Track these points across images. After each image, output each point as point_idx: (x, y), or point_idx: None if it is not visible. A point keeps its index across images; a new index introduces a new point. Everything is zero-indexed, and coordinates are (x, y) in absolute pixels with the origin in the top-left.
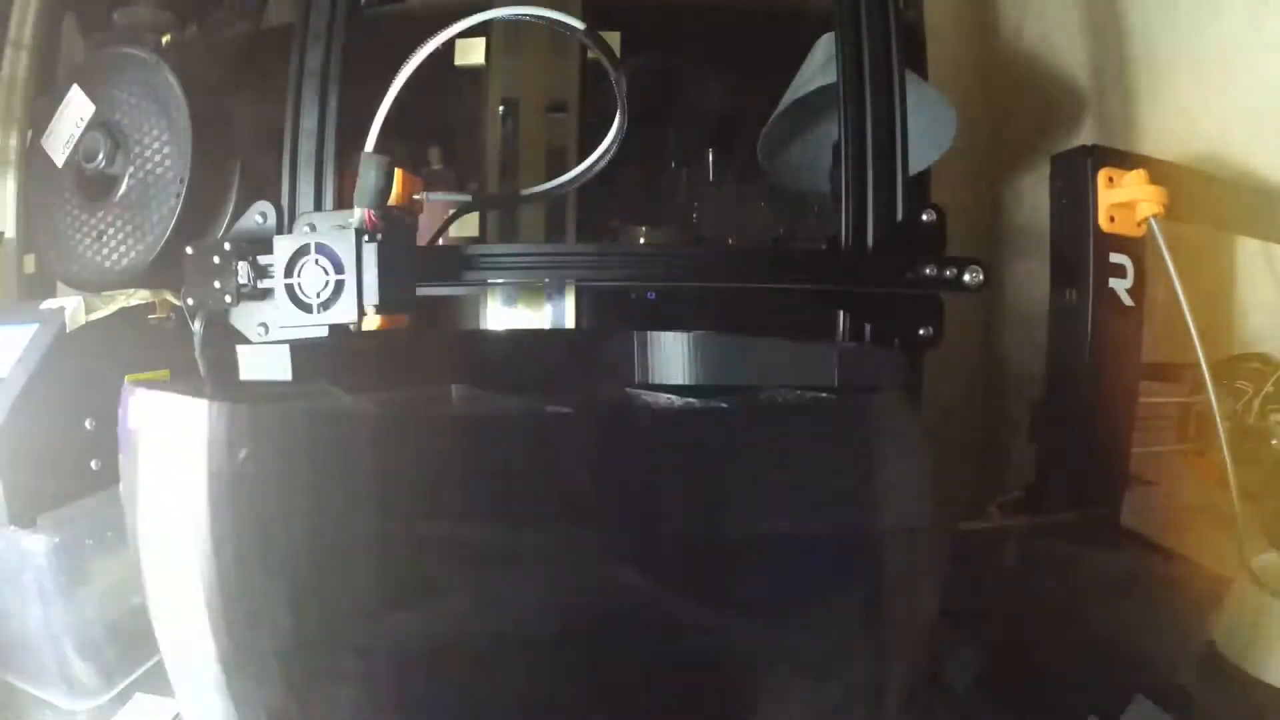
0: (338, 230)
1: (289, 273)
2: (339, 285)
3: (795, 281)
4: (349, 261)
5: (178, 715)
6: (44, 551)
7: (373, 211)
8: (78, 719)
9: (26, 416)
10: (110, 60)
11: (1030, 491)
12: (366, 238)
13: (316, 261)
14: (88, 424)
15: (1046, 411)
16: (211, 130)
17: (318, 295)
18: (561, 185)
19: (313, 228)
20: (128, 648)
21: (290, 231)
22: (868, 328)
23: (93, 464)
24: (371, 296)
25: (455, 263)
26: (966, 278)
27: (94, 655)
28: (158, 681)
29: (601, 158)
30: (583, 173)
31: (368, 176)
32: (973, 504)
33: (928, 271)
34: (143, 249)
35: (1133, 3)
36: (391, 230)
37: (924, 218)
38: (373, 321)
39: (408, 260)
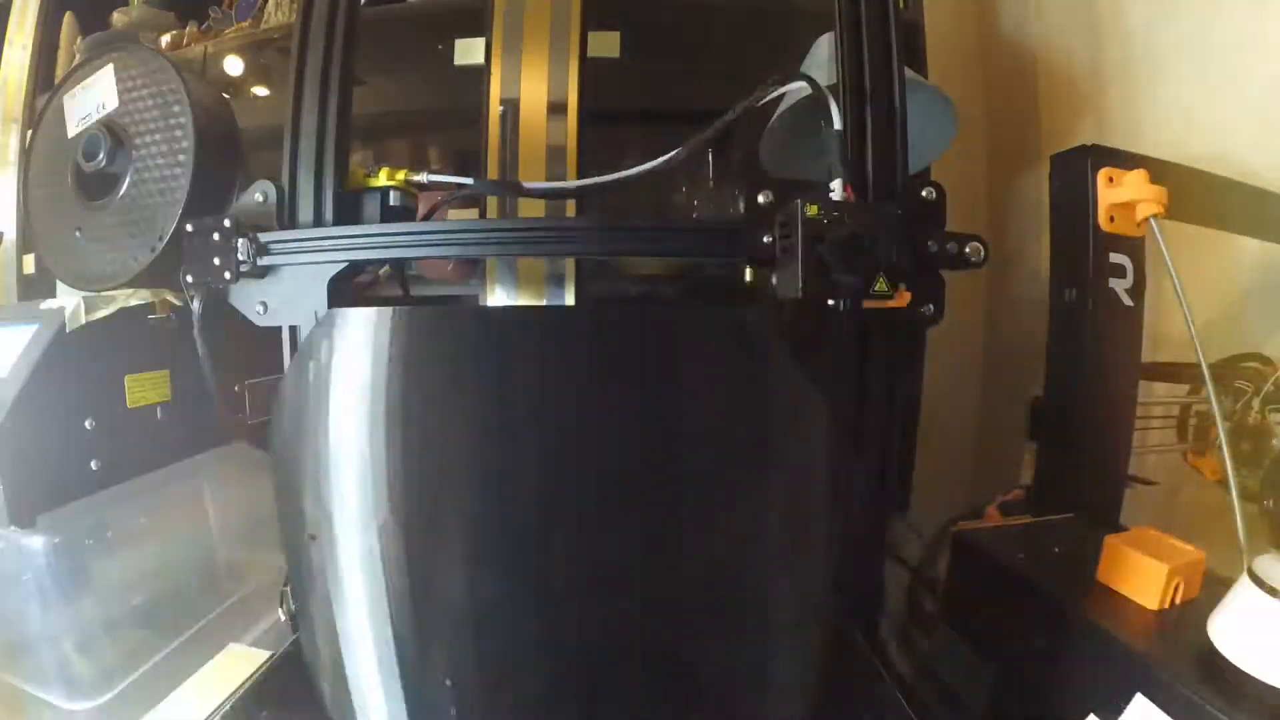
0: (864, 206)
1: (819, 241)
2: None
3: None
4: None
5: (264, 663)
6: (44, 551)
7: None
8: (77, 719)
9: (26, 416)
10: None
11: (1030, 491)
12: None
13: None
14: (88, 424)
15: (1046, 411)
16: (213, 128)
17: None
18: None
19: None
20: (128, 648)
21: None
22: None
23: (93, 464)
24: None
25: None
26: (967, 252)
27: (94, 655)
28: (158, 681)
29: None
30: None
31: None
32: (972, 504)
33: (929, 247)
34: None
35: (1133, 3)
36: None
37: (924, 194)
38: (904, 299)
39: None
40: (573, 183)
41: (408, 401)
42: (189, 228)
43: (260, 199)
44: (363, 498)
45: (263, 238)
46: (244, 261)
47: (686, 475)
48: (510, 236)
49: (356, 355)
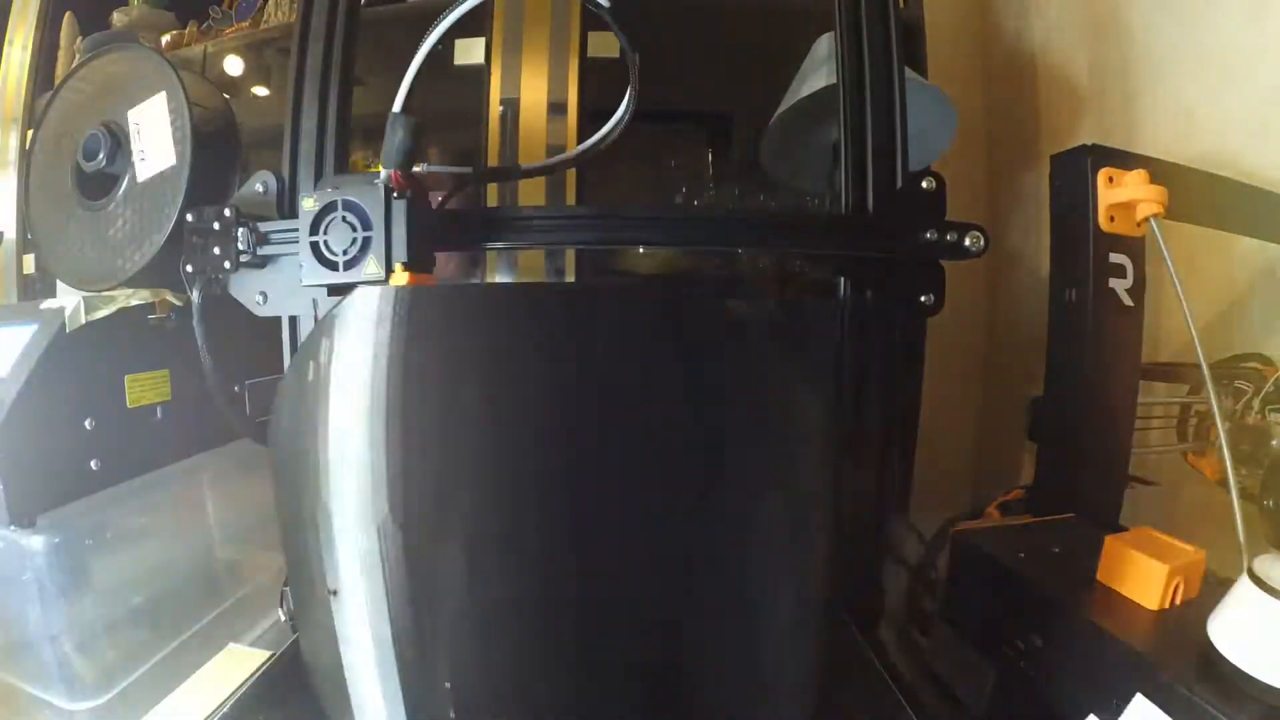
0: (366, 188)
1: (314, 230)
2: (365, 243)
3: (799, 247)
4: (377, 219)
5: (264, 663)
6: (44, 551)
7: (399, 172)
8: (77, 719)
9: (26, 416)
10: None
11: (1030, 491)
12: (395, 195)
13: (344, 219)
14: (88, 424)
15: (1046, 411)
16: (211, 128)
17: (344, 253)
18: (566, 161)
19: (337, 187)
20: (128, 648)
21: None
22: (869, 294)
23: (93, 464)
24: (400, 253)
25: (474, 225)
26: (967, 242)
27: (94, 655)
28: (158, 681)
29: (609, 134)
30: (589, 148)
31: (395, 136)
32: (972, 504)
33: (928, 237)
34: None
35: (1133, 3)
36: (417, 191)
37: (924, 185)
38: (400, 279)
39: (430, 221)
40: (556, 158)
41: (436, 388)
42: (189, 218)
43: (260, 189)
44: (376, 493)
45: (263, 227)
46: (244, 251)
47: (696, 469)
48: (513, 225)
49: (384, 340)
